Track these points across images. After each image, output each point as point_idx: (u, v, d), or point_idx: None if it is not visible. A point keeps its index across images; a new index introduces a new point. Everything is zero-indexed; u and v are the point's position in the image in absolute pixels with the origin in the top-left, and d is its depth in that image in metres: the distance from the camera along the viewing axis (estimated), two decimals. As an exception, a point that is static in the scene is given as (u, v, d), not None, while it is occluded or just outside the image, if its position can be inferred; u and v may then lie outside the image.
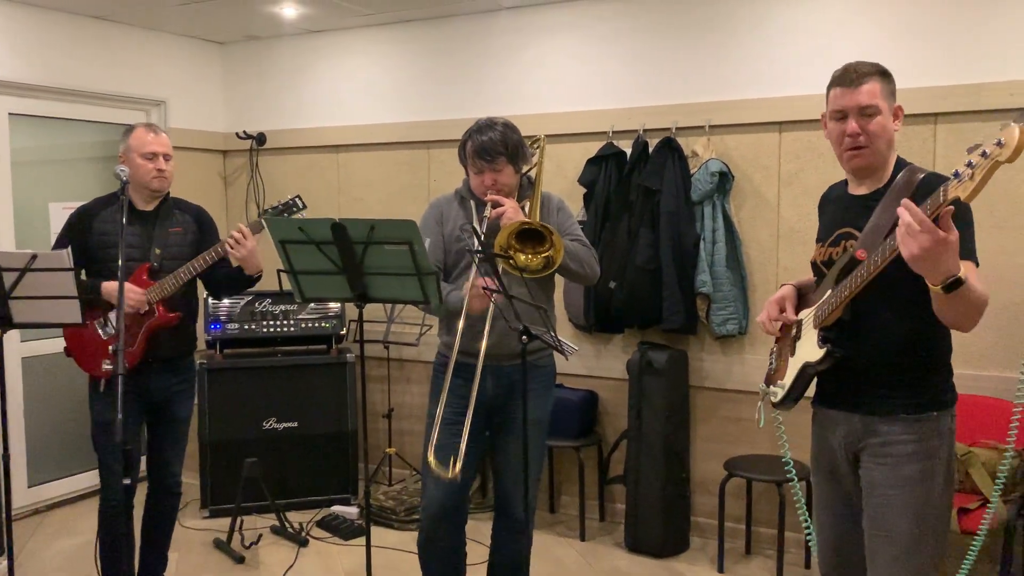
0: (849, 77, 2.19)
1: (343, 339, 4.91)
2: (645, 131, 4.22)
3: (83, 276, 3.21)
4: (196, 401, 4.16)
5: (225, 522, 4.31)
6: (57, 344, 3.28)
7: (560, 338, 2.73)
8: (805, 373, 2.28)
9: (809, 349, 2.26)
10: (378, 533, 4.29)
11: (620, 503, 4.39)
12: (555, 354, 2.87)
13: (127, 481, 2.66)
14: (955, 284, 1.88)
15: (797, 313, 2.39)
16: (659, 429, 4.04)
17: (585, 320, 4.32)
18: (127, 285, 3.02)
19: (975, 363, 3.61)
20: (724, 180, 4.02)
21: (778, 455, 3.61)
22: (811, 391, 2.35)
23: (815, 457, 2.41)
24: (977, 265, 2.09)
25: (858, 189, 2.29)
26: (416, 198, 4.91)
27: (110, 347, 3.10)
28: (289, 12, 4.76)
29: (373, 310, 4.66)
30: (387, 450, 4.90)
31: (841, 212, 2.33)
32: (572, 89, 4.48)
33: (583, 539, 4.28)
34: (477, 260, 2.66)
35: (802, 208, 3.96)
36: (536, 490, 3.18)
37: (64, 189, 4.82)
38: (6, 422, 2.91)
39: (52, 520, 4.61)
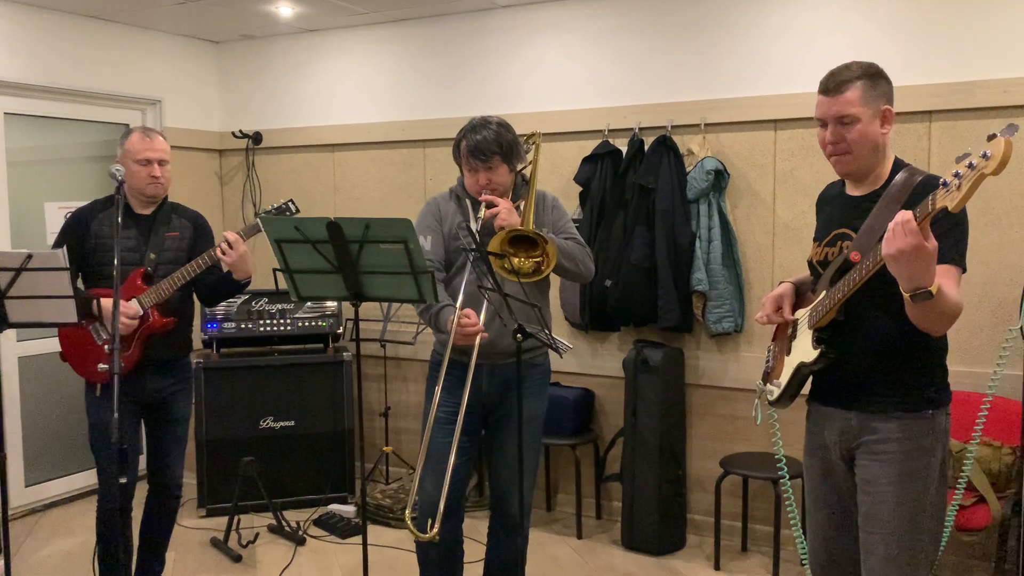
0: (829, 85, 2.20)
1: (340, 338, 4.91)
2: (641, 129, 4.23)
3: (79, 280, 3.21)
4: (194, 401, 4.16)
5: (222, 521, 4.31)
6: (54, 344, 3.28)
7: (555, 336, 2.73)
8: (800, 373, 2.29)
9: (804, 349, 2.27)
10: (375, 531, 4.30)
11: (616, 501, 4.40)
12: (551, 352, 2.87)
13: (124, 481, 2.67)
14: (923, 296, 1.91)
15: (795, 311, 2.40)
16: (655, 427, 4.05)
17: (581, 318, 4.33)
18: (123, 304, 3.02)
19: (970, 360, 3.63)
20: (720, 178, 4.03)
21: (775, 453, 3.62)
22: (807, 388, 2.36)
23: (809, 453, 2.42)
24: (964, 271, 2.11)
25: (855, 190, 2.30)
26: (412, 197, 4.92)
27: (106, 348, 3.10)
28: (285, 11, 4.76)
29: (370, 309, 4.67)
30: (384, 448, 4.91)
31: (838, 212, 2.34)
32: (568, 88, 4.49)
33: (579, 537, 4.29)
34: (472, 259, 2.67)
35: (797, 206, 3.97)
36: (532, 488, 3.19)
37: (60, 189, 4.82)
38: (3, 422, 2.91)
39: (49, 520, 4.61)
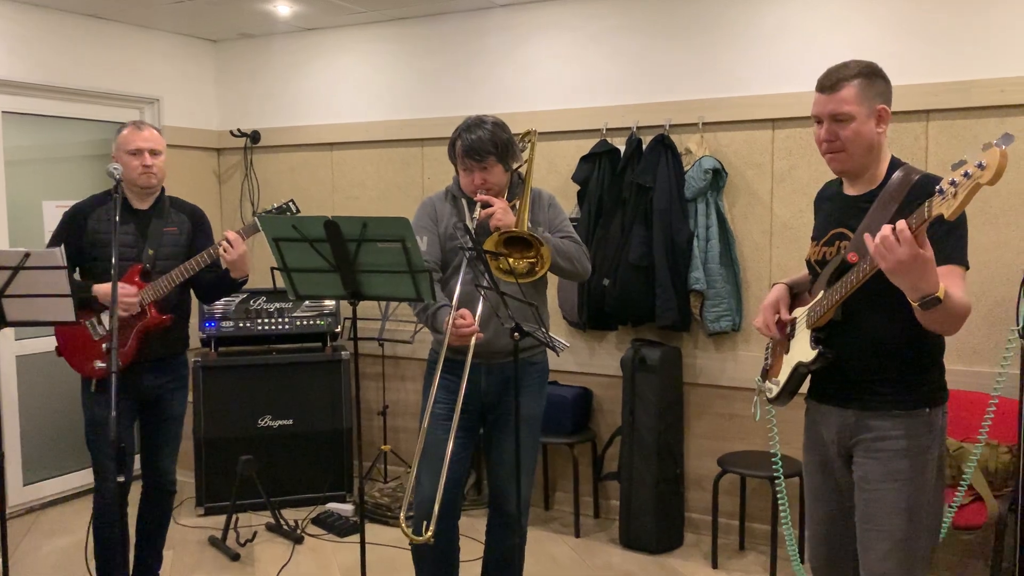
0: (826, 83, 2.20)
1: (338, 337, 4.91)
2: (639, 128, 4.23)
3: (76, 275, 3.22)
4: (191, 399, 4.16)
5: (220, 520, 4.32)
6: (51, 343, 3.28)
7: (552, 335, 2.74)
8: (798, 372, 2.30)
9: (802, 348, 2.28)
10: (373, 530, 4.30)
11: (614, 499, 4.41)
12: (548, 351, 2.88)
13: (121, 479, 2.67)
14: (931, 303, 1.91)
15: (792, 310, 2.40)
16: (653, 426, 4.05)
17: (579, 317, 4.33)
18: (120, 285, 3.02)
19: (967, 358, 3.63)
20: (717, 177, 4.03)
21: (771, 451, 3.63)
22: (805, 386, 2.37)
23: (807, 451, 2.43)
24: (967, 269, 2.11)
25: (852, 189, 2.30)
26: (410, 196, 4.92)
27: (103, 346, 3.11)
28: (283, 10, 4.76)
29: (368, 308, 4.67)
30: (382, 447, 4.91)
31: (836, 212, 2.34)
32: (565, 86, 4.49)
33: (577, 535, 4.30)
34: (468, 258, 2.67)
35: (795, 205, 3.97)
36: (530, 487, 3.19)
37: (58, 187, 4.81)
38: (0, 421, 2.91)
39: (47, 519, 4.61)
